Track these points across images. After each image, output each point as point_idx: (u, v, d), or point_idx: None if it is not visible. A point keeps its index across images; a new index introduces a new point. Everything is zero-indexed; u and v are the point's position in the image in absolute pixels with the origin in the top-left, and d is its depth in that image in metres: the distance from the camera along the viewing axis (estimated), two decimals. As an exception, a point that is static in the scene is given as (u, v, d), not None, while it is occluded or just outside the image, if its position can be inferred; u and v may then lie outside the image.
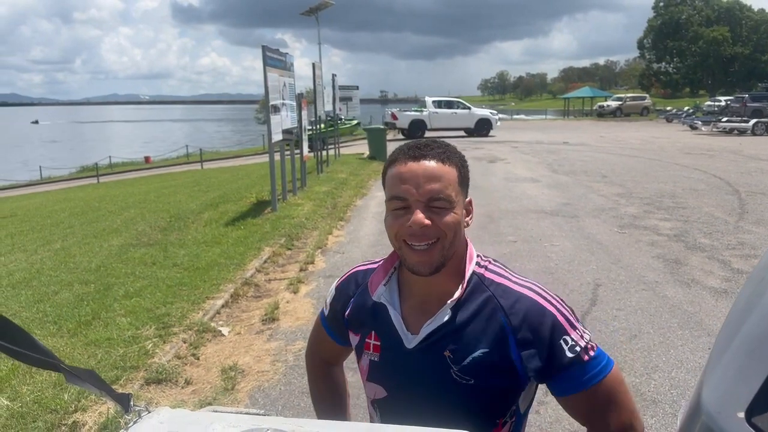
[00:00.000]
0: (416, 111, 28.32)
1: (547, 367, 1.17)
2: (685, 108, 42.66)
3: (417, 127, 26.93)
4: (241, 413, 0.89)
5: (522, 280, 1.25)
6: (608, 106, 49.44)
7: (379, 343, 1.29)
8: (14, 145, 55.88)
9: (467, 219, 1.24)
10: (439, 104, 29.01)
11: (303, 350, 4.48)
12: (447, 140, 1.28)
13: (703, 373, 0.91)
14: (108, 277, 6.53)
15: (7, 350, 0.69)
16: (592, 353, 1.18)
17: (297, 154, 12.82)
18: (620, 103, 49.28)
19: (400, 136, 24.01)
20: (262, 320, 5.26)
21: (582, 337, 1.19)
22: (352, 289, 1.38)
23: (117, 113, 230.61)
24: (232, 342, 4.84)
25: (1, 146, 54.32)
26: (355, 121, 30.68)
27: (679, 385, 3.83)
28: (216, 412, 0.89)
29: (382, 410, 1.31)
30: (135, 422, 0.86)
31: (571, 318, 1.20)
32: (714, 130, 28.40)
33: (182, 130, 79.00)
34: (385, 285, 1.29)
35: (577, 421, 1.28)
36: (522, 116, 65.85)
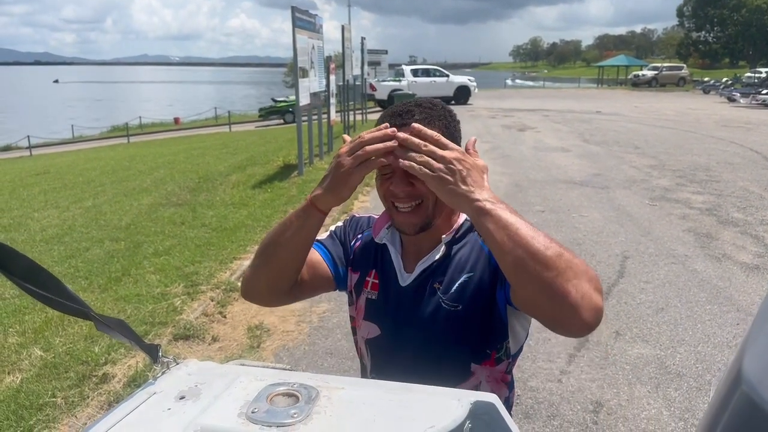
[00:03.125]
0: (395, 81, 27.71)
1: None
2: (723, 79, 41.38)
3: (396, 97, 25.76)
4: (267, 368, 0.89)
5: None
6: (643, 75, 48.25)
7: (378, 282, 1.35)
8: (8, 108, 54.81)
9: None
10: (416, 73, 28.60)
11: (327, 312, 4.55)
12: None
13: (743, 342, 0.88)
14: (138, 235, 6.65)
15: (39, 296, 0.69)
16: None
17: (324, 118, 12.77)
18: (656, 72, 48.02)
19: (378, 108, 23.01)
20: (288, 282, 5.31)
21: None
22: (364, 226, 1.46)
23: (147, 74, 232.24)
24: (258, 302, 4.90)
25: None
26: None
27: (705, 359, 3.79)
28: (243, 365, 0.90)
29: (374, 349, 1.36)
30: (163, 373, 0.87)
31: None
32: (753, 102, 27.49)
33: (211, 92, 79.40)
34: (387, 228, 1.35)
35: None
36: (522, 82, 64.19)
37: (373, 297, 1.35)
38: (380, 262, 1.36)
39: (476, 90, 30.01)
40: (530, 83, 76.41)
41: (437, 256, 1.27)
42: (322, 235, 1.44)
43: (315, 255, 1.39)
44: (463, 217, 1.30)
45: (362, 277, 1.38)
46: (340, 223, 1.49)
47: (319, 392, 0.79)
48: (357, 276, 1.40)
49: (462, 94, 28.43)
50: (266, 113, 27.96)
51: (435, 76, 28.72)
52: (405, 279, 1.30)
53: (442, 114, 1.22)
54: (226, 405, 0.77)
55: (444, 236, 1.27)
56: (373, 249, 1.38)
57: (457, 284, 1.24)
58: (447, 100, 27.96)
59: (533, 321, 1.21)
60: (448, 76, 28.90)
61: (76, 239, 6.68)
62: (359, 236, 1.44)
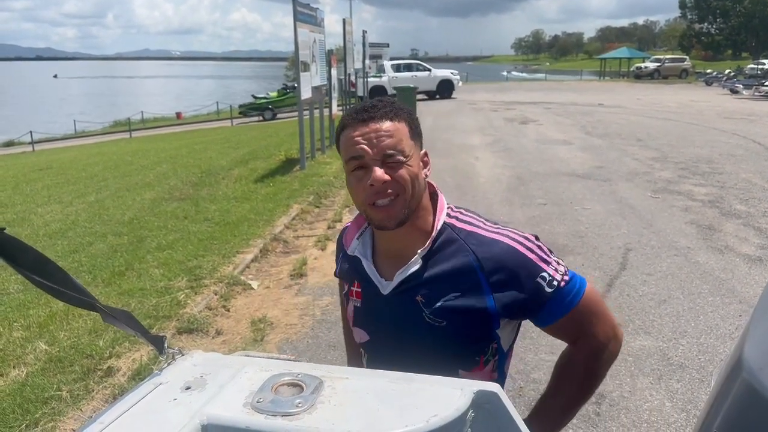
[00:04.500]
0: (375, 77, 27.14)
1: (528, 305, 1.21)
2: (726, 71, 41.18)
3: (377, 94, 24.53)
4: (272, 358, 0.90)
5: (493, 227, 1.28)
6: (646, 67, 48.02)
7: (360, 290, 1.35)
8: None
9: (425, 171, 1.27)
10: (398, 68, 28.22)
11: (330, 305, 4.57)
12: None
13: (744, 330, 0.89)
14: (141, 229, 6.67)
15: (46, 288, 0.70)
16: (566, 278, 1.23)
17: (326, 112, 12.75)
18: (658, 64, 47.80)
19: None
20: (291, 275, 5.33)
21: (557, 270, 1.23)
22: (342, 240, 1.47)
23: (149, 69, 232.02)
24: (262, 295, 4.92)
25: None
26: None
27: (708, 350, 3.80)
28: (248, 356, 0.91)
29: (368, 352, 1.39)
30: (169, 364, 0.88)
31: (543, 255, 1.23)
32: (756, 94, 27.35)
33: (213, 87, 79.28)
34: (357, 239, 1.35)
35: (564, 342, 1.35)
36: (518, 74, 64.15)
37: (358, 305, 1.36)
38: (358, 272, 1.35)
39: (460, 83, 29.81)
40: (525, 75, 76.13)
41: (415, 268, 1.24)
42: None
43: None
44: (440, 224, 1.27)
45: (348, 287, 1.39)
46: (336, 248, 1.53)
47: (323, 382, 0.80)
48: (346, 286, 1.41)
49: (445, 88, 28.13)
50: (246, 110, 27.55)
51: (417, 70, 28.38)
52: (385, 287, 1.28)
53: (405, 109, 1.24)
54: (232, 395, 0.78)
55: (420, 250, 1.24)
56: (349, 260, 1.38)
57: (441, 301, 1.22)
58: (430, 94, 27.78)
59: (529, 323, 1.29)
60: (430, 70, 28.57)
61: (79, 234, 6.70)
62: (341, 252, 1.45)
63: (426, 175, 1.27)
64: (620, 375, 3.53)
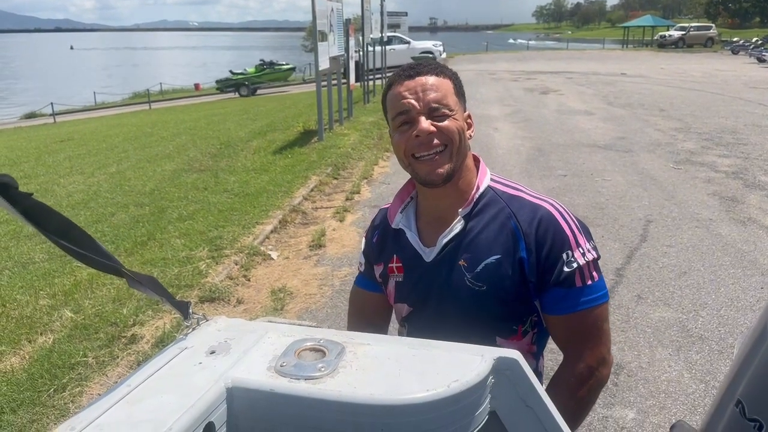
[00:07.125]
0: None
1: (542, 277, 1.21)
2: (753, 39, 40.05)
3: (355, 69, 24.11)
4: (294, 324, 0.91)
5: (537, 194, 1.29)
6: (670, 36, 46.92)
7: (401, 265, 1.36)
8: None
9: (469, 132, 1.29)
10: (373, 42, 27.68)
11: (349, 276, 4.59)
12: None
13: None
14: (162, 200, 6.74)
15: (74, 253, 0.71)
16: (589, 282, 1.22)
17: (344, 83, 12.66)
18: (683, 33, 46.67)
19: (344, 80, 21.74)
20: (310, 246, 5.37)
21: (583, 255, 1.21)
22: (379, 220, 1.47)
23: (166, 40, 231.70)
24: (281, 266, 4.97)
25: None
26: (289, 66, 28.14)
27: (728, 323, 3.77)
28: (271, 322, 0.92)
29: (409, 324, 1.40)
30: (193, 329, 0.89)
31: (578, 235, 1.23)
32: (784, 63, 26.67)
33: (230, 58, 79.07)
34: (401, 212, 1.37)
35: (556, 345, 1.32)
36: (523, 41, 62.00)
37: (400, 279, 1.37)
38: (400, 247, 1.36)
39: (443, 55, 29.37)
40: (533, 43, 74.07)
41: (457, 230, 1.26)
42: (360, 267, 1.53)
43: (368, 297, 1.51)
44: (482, 188, 1.29)
45: (386, 266, 1.40)
46: (363, 239, 1.53)
47: (344, 347, 0.81)
48: (381, 267, 1.42)
49: None
50: (222, 86, 26.95)
51: (396, 43, 27.46)
52: (428, 255, 1.30)
53: (450, 70, 1.27)
54: (256, 359, 0.79)
55: (461, 210, 1.27)
56: (391, 236, 1.39)
57: (482, 264, 1.23)
58: None
59: None
60: (409, 42, 28.12)
61: (101, 204, 6.79)
62: (376, 232, 1.46)
63: (470, 136, 1.29)
64: (639, 346, 3.53)
